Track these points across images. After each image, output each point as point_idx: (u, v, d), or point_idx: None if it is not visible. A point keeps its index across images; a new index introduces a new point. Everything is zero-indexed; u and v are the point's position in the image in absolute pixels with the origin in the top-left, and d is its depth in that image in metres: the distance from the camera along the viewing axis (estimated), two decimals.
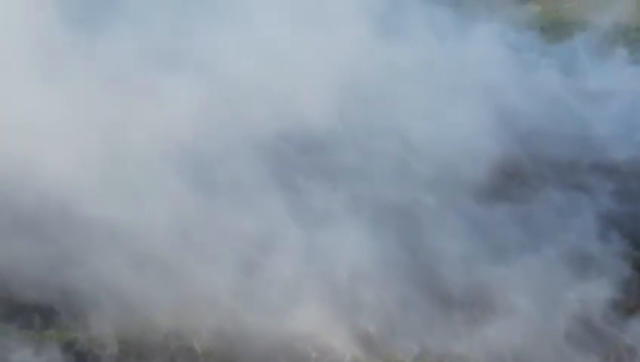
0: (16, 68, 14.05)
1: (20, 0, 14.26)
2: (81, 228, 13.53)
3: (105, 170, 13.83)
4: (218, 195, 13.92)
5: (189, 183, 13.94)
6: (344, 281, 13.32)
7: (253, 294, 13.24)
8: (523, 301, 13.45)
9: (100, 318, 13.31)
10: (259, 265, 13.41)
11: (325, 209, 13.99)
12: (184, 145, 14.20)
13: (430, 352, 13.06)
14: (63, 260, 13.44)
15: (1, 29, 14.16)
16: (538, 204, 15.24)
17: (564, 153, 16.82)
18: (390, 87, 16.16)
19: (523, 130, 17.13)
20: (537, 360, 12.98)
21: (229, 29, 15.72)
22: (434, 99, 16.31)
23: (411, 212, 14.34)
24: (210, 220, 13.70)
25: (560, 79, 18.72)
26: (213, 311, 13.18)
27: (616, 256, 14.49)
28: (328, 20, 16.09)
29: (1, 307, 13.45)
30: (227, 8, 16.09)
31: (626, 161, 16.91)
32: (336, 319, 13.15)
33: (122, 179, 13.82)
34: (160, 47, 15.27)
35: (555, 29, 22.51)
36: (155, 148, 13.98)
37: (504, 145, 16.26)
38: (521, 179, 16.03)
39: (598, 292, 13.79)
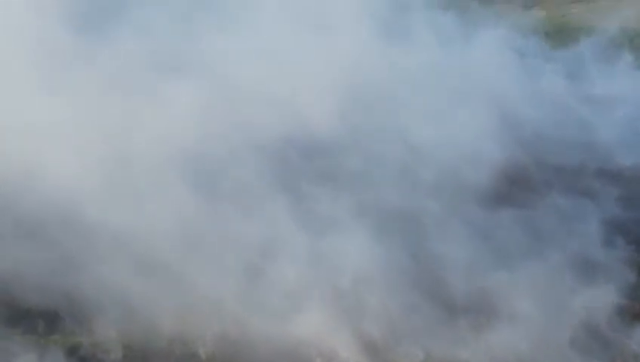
0: (19, 72, 14.07)
1: (23, 4, 14.28)
2: (85, 232, 13.54)
3: (108, 175, 13.84)
4: (222, 200, 13.91)
5: (193, 188, 13.94)
6: (348, 286, 13.31)
7: (257, 299, 13.23)
8: (528, 307, 13.42)
9: (105, 323, 13.31)
10: (263, 271, 13.41)
11: (329, 214, 13.98)
12: (188, 149, 14.20)
13: (434, 358, 13.04)
14: (67, 265, 13.45)
15: (5, 33, 14.19)
16: (543, 209, 15.21)
17: (569, 159, 16.80)
18: (394, 92, 16.15)
19: (528, 135, 17.11)
20: None
21: (233, 33, 15.73)
22: (439, 104, 16.29)
23: (415, 217, 14.32)
24: (213, 225, 13.69)
25: (565, 84, 18.70)
26: (217, 317, 13.18)
27: (621, 262, 14.45)
28: (332, 25, 16.09)
29: (6, 312, 13.46)
30: (230, 12, 16.09)
31: (631, 167, 16.88)
32: (341, 324, 13.13)
33: (126, 183, 13.83)
34: (163, 51, 15.27)
35: (560, 34, 22.50)
36: (158, 153, 13.98)
37: (509, 151, 16.24)
38: (526, 184, 16.01)
39: (604, 298, 13.76)
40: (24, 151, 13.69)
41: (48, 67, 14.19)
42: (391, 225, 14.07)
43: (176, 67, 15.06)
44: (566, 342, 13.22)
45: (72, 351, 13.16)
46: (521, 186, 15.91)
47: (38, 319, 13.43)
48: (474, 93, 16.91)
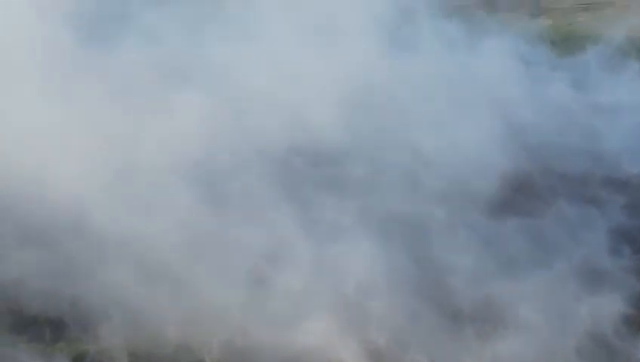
0: (27, 79, 14.11)
1: (31, 13, 14.32)
2: (90, 240, 13.56)
3: (115, 182, 13.86)
4: (228, 208, 13.93)
5: (199, 196, 13.95)
6: (354, 294, 13.30)
7: (262, 307, 13.23)
8: (533, 315, 13.40)
9: (111, 331, 13.31)
10: (268, 278, 13.41)
11: (335, 222, 13.98)
12: (194, 157, 14.21)
13: None
14: (73, 272, 13.47)
15: (12, 41, 14.23)
16: (549, 217, 15.19)
17: (576, 167, 16.78)
18: (401, 100, 16.15)
19: (534, 143, 17.10)
20: None
21: (240, 42, 15.75)
22: (445, 112, 16.29)
23: (421, 225, 14.31)
24: (220, 233, 13.70)
25: (571, 93, 18.68)
26: (223, 324, 13.18)
27: (627, 271, 14.42)
28: (339, 34, 16.10)
29: (12, 319, 13.47)
30: (237, 21, 16.12)
31: (638, 175, 16.85)
32: (346, 332, 13.12)
33: (132, 190, 13.85)
34: (170, 58, 15.30)
35: (566, 42, 22.49)
36: (165, 161, 14.01)
37: (515, 159, 16.22)
38: (532, 192, 15.99)
39: (610, 307, 13.73)
40: (30, 159, 13.73)
41: (55, 75, 14.23)
42: (396, 232, 14.06)
43: (183, 75, 15.09)
44: (572, 350, 13.20)
45: (77, 358, 13.16)
46: (526, 194, 15.89)
47: (43, 326, 13.44)
48: (480, 101, 16.90)
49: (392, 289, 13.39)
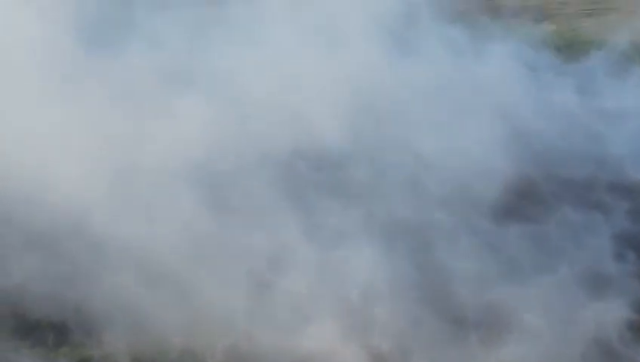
0: (30, 83, 14.13)
1: (34, 18, 14.34)
2: (94, 244, 13.56)
3: (118, 187, 13.86)
4: (231, 213, 13.92)
5: (203, 201, 13.95)
6: (357, 300, 13.29)
7: (266, 312, 13.23)
8: (538, 321, 13.37)
9: (114, 335, 13.31)
10: (272, 283, 13.40)
11: (339, 227, 13.97)
12: (197, 162, 14.22)
13: None
14: (77, 277, 13.46)
15: (15, 46, 14.25)
16: (553, 223, 15.16)
17: (580, 172, 16.75)
18: (404, 105, 16.14)
19: (538, 149, 17.08)
20: None
21: (243, 47, 15.75)
22: (448, 117, 16.28)
23: (425, 230, 14.30)
24: (223, 237, 13.70)
25: (576, 98, 18.66)
26: (226, 329, 13.17)
27: (632, 277, 14.39)
28: (342, 39, 16.10)
29: (15, 324, 13.47)
30: (241, 27, 16.13)
31: None
32: (350, 337, 13.11)
33: (136, 195, 13.85)
34: (173, 64, 15.31)
35: (570, 48, 22.48)
36: (168, 165, 14.01)
37: (519, 164, 16.20)
38: (537, 198, 15.97)
39: (614, 312, 13.70)
40: (34, 162, 13.74)
41: (59, 79, 14.25)
42: (400, 238, 14.05)
43: (186, 79, 15.09)
44: (576, 356, 13.17)
45: None
46: (531, 200, 15.87)
47: (47, 331, 13.44)
48: (484, 107, 16.89)
49: (396, 295, 13.37)
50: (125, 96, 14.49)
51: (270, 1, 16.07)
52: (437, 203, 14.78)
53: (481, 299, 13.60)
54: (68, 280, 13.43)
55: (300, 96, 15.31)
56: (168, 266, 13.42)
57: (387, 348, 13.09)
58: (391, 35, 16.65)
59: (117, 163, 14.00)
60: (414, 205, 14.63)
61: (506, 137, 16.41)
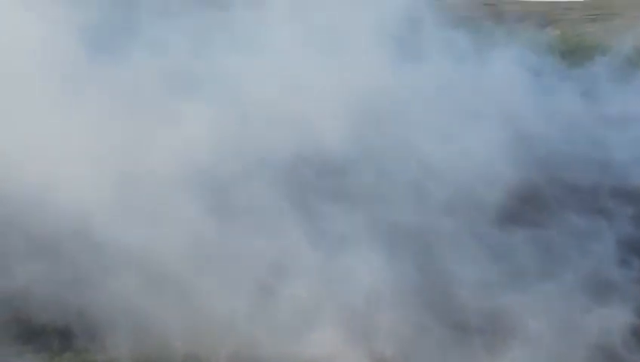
0: (33, 88, 14.15)
1: (37, 23, 14.37)
2: (98, 249, 13.56)
3: (121, 192, 13.87)
4: (235, 218, 13.93)
5: (207, 206, 13.95)
6: (361, 305, 13.28)
7: (270, 317, 13.23)
8: (541, 327, 13.35)
9: (118, 340, 13.31)
10: (275, 289, 13.40)
11: (342, 232, 13.97)
12: (200, 167, 14.22)
13: None
14: (81, 282, 13.47)
15: (18, 51, 14.28)
16: (557, 228, 15.15)
17: (584, 178, 16.73)
18: (408, 110, 16.14)
19: (542, 154, 17.07)
20: None
21: (247, 52, 15.76)
22: (452, 122, 16.27)
23: (428, 236, 14.29)
24: (226, 243, 13.71)
25: (580, 103, 18.65)
26: (230, 335, 13.17)
27: (636, 283, 14.37)
28: (346, 43, 16.10)
29: (19, 329, 13.48)
30: (244, 31, 16.14)
31: None
32: (353, 343, 13.11)
33: (139, 200, 13.86)
34: (177, 69, 15.33)
35: (575, 53, 22.47)
36: (171, 170, 14.02)
37: (523, 170, 16.19)
38: (540, 203, 15.95)
39: (618, 318, 13.68)
40: (37, 167, 13.75)
41: (62, 83, 14.27)
42: (404, 243, 14.04)
43: (190, 85, 15.11)
44: None
45: None
46: (534, 205, 15.85)
47: (50, 336, 13.44)
48: (488, 112, 16.88)
49: (399, 300, 13.36)
50: (129, 100, 14.50)
51: (274, 5, 16.08)
52: (441, 208, 14.77)
53: (485, 305, 13.58)
54: (72, 285, 13.44)
55: (304, 101, 15.31)
56: (172, 271, 13.43)
57: (390, 354, 13.08)
58: (394, 39, 16.65)
59: (121, 167, 14.01)
60: (418, 210, 14.61)
61: (509, 142, 16.40)
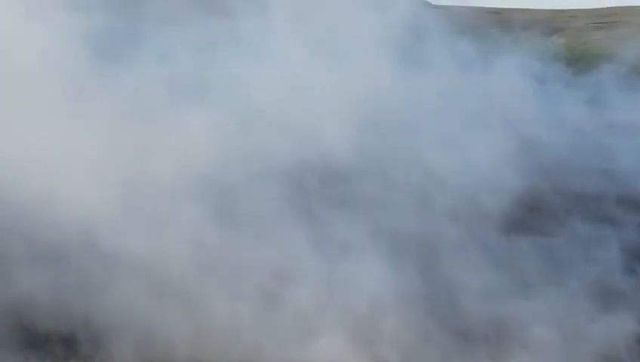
0: (38, 97, 14.19)
1: (42, 31, 14.42)
2: (103, 257, 13.58)
3: (126, 200, 13.90)
4: (239, 226, 13.94)
5: (211, 214, 13.97)
6: (364, 313, 13.28)
7: (273, 325, 13.23)
8: (546, 335, 13.33)
9: (122, 348, 13.32)
10: (279, 296, 13.41)
11: (346, 240, 13.97)
12: (205, 174, 14.24)
13: None
14: (85, 290, 13.48)
15: (24, 59, 14.33)
16: (562, 236, 15.14)
17: (590, 186, 16.72)
18: (413, 118, 16.15)
19: (548, 162, 17.06)
20: None
21: (252, 59, 15.80)
22: (457, 130, 16.28)
23: (433, 244, 14.28)
24: (231, 251, 13.72)
25: (586, 111, 18.65)
26: (234, 342, 13.18)
27: None
28: (350, 51, 16.13)
29: (23, 336, 13.49)
30: (249, 39, 16.18)
31: None
32: (356, 351, 13.10)
33: (143, 208, 13.88)
34: (182, 77, 15.37)
35: (580, 61, 22.49)
36: (176, 178, 14.04)
37: (528, 178, 16.18)
38: (546, 211, 15.94)
39: (623, 326, 13.66)
40: (42, 176, 13.78)
41: (67, 92, 14.31)
42: (408, 251, 14.04)
43: (195, 93, 15.14)
44: None
45: None
46: (540, 213, 15.84)
47: (55, 343, 13.45)
48: (493, 120, 16.89)
49: (404, 308, 13.36)
50: (134, 108, 14.53)
51: (279, 14, 16.12)
52: (445, 215, 14.77)
53: (490, 312, 13.56)
54: (76, 292, 13.45)
55: (309, 109, 15.33)
56: (176, 278, 13.44)
57: (394, 361, 13.07)
58: (400, 48, 16.67)
59: (125, 175, 14.03)
60: (422, 218, 14.61)
61: (515, 150, 16.40)
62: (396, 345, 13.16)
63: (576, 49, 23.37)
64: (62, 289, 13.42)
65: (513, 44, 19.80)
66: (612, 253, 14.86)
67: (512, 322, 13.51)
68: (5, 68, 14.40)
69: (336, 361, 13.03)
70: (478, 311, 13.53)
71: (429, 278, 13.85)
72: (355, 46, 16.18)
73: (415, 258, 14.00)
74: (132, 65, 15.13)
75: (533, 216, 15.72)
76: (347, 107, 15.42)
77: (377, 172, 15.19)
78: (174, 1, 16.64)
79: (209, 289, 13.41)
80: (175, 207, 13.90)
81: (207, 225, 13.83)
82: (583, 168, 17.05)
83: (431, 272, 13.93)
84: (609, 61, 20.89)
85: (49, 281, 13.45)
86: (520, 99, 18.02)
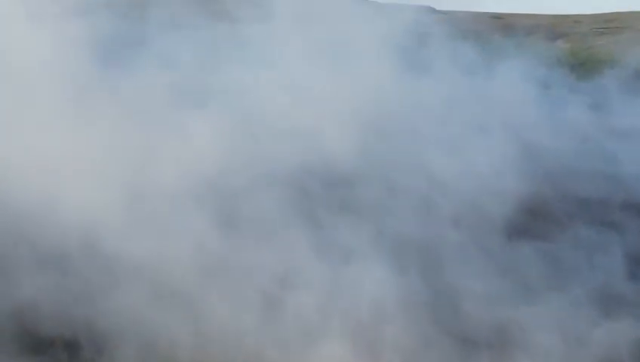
0: (41, 103, 14.22)
1: (45, 37, 14.46)
2: (105, 263, 13.59)
3: (129, 206, 13.91)
4: (241, 231, 13.95)
5: (213, 219, 13.98)
6: (367, 319, 13.27)
7: (276, 330, 13.22)
8: (549, 341, 13.31)
9: (125, 352, 13.32)
10: (282, 302, 13.41)
11: (349, 245, 13.97)
12: (208, 180, 14.26)
13: None
14: (88, 295, 13.50)
15: (26, 66, 14.36)
16: (566, 242, 15.12)
17: (593, 191, 16.70)
18: (416, 123, 16.17)
19: (552, 167, 17.05)
20: None
21: (254, 65, 15.83)
22: (460, 135, 16.29)
23: (435, 249, 14.28)
24: (233, 256, 13.72)
25: (589, 116, 18.65)
26: (236, 347, 13.17)
27: None
28: (352, 56, 16.15)
29: (27, 342, 13.50)
30: (251, 45, 16.21)
31: None
32: (359, 356, 13.08)
33: (146, 214, 13.89)
34: (184, 83, 15.40)
35: (584, 66, 22.49)
36: (178, 184, 14.06)
37: (532, 183, 16.17)
38: (549, 216, 15.93)
39: (627, 332, 13.63)
40: (45, 181, 13.80)
41: (70, 97, 14.34)
42: (411, 257, 14.03)
43: (198, 99, 15.17)
44: None
45: None
46: (543, 218, 15.83)
47: (59, 349, 13.46)
48: (496, 125, 16.89)
49: (406, 314, 13.34)
50: (136, 113, 14.55)
51: (281, 19, 16.15)
52: (448, 221, 14.76)
53: (493, 318, 13.54)
54: (80, 298, 13.46)
55: (311, 114, 15.35)
56: (179, 284, 13.45)
57: None
58: (403, 53, 16.69)
59: (128, 181, 14.05)
60: (425, 223, 14.61)
61: (518, 155, 16.40)
62: (399, 350, 13.14)
63: (580, 54, 23.36)
64: (65, 294, 13.43)
65: (517, 49, 19.82)
66: (615, 258, 14.84)
67: (515, 328, 13.49)
68: (9, 74, 14.45)
69: None
70: (481, 316, 13.51)
71: (432, 283, 13.83)
72: (358, 51, 16.21)
73: (418, 263, 13.99)
74: (135, 70, 15.16)
75: (536, 221, 15.70)
76: (350, 112, 15.44)
77: (381, 177, 15.19)
78: (178, 7, 16.68)
79: (211, 294, 13.42)
80: (178, 212, 13.92)
81: (210, 230, 13.84)
82: (587, 173, 17.04)
83: (434, 277, 13.92)
84: (613, 66, 20.90)
85: (52, 286, 13.45)
86: (524, 105, 18.02)
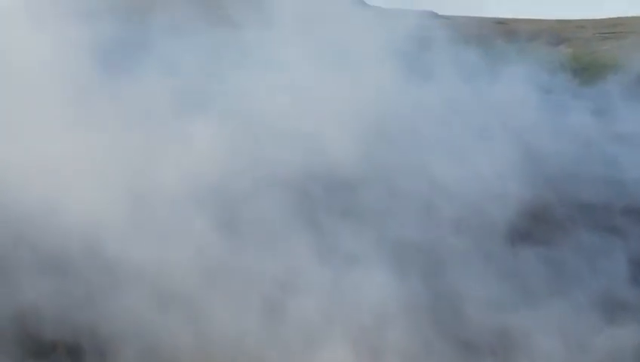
0: (44, 108, 14.24)
1: (47, 42, 14.49)
2: (108, 268, 13.61)
3: (131, 210, 13.92)
4: (244, 235, 13.96)
5: (215, 224, 13.99)
6: (369, 323, 13.26)
7: (277, 334, 13.22)
8: (552, 346, 13.29)
9: (127, 357, 13.33)
10: (283, 306, 13.41)
11: (351, 250, 13.97)
12: (210, 184, 14.27)
13: None
14: (91, 300, 13.51)
15: (31, 71, 14.39)
16: (568, 247, 15.10)
17: (596, 196, 16.68)
18: (418, 128, 16.16)
19: (554, 172, 17.04)
20: None
21: (256, 70, 15.84)
22: (463, 140, 16.28)
23: (438, 254, 14.27)
24: (235, 260, 13.73)
25: (592, 121, 18.63)
26: (238, 352, 13.18)
27: None
28: (355, 61, 16.16)
29: (29, 346, 13.51)
30: (254, 50, 16.23)
31: None
32: (361, 360, 13.08)
33: (148, 218, 13.90)
34: (187, 88, 15.41)
35: (587, 71, 22.48)
36: (181, 188, 14.07)
37: (534, 188, 16.16)
38: (552, 221, 15.91)
39: (629, 337, 13.61)
40: (47, 186, 13.82)
41: (73, 104, 14.36)
42: (412, 261, 14.03)
43: (200, 103, 15.19)
44: None
45: None
46: (546, 223, 15.82)
47: (61, 353, 13.47)
48: (499, 130, 16.88)
49: (408, 318, 13.33)
50: (139, 120, 14.58)
51: (283, 25, 16.16)
52: (451, 225, 14.76)
53: (495, 323, 13.54)
54: (82, 303, 13.47)
55: (314, 118, 15.35)
56: (181, 287, 13.46)
57: None
58: (406, 58, 16.69)
59: (130, 186, 14.07)
60: (428, 228, 14.60)
61: (521, 160, 16.38)
62: (400, 354, 13.13)
63: (583, 59, 23.36)
64: (67, 299, 13.44)
65: (520, 55, 19.80)
66: (618, 263, 14.82)
67: (517, 333, 13.48)
68: (13, 78, 14.48)
69: None
70: (484, 321, 13.50)
71: (434, 288, 13.83)
72: (361, 56, 16.21)
73: (420, 268, 13.99)
74: (138, 75, 15.18)
75: (538, 226, 15.69)
76: (353, 116, 15.44)
77: (383, 181, 15.19)
78: (180, 12, 16.71)
79: (213, 298, 13.42)
80: (180, 217, 13.93)
81: (212, 235, 13.85)
82: (590, 178, 17.02)
83: (436, 282, 13.91)
84: (616, 71, 20.87)
85: (54, 291, 13.47)
86: (526, 109, 18.01)
